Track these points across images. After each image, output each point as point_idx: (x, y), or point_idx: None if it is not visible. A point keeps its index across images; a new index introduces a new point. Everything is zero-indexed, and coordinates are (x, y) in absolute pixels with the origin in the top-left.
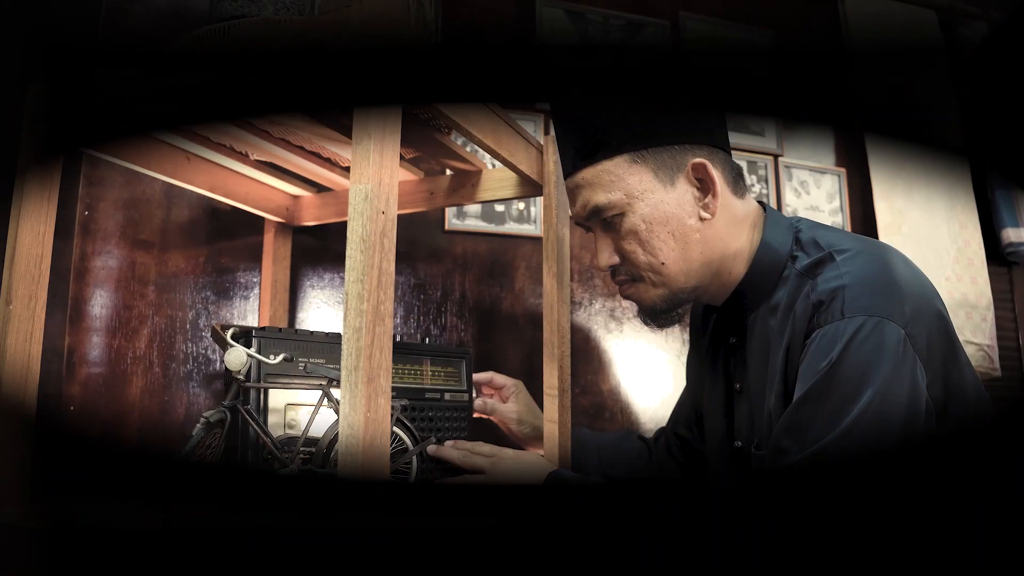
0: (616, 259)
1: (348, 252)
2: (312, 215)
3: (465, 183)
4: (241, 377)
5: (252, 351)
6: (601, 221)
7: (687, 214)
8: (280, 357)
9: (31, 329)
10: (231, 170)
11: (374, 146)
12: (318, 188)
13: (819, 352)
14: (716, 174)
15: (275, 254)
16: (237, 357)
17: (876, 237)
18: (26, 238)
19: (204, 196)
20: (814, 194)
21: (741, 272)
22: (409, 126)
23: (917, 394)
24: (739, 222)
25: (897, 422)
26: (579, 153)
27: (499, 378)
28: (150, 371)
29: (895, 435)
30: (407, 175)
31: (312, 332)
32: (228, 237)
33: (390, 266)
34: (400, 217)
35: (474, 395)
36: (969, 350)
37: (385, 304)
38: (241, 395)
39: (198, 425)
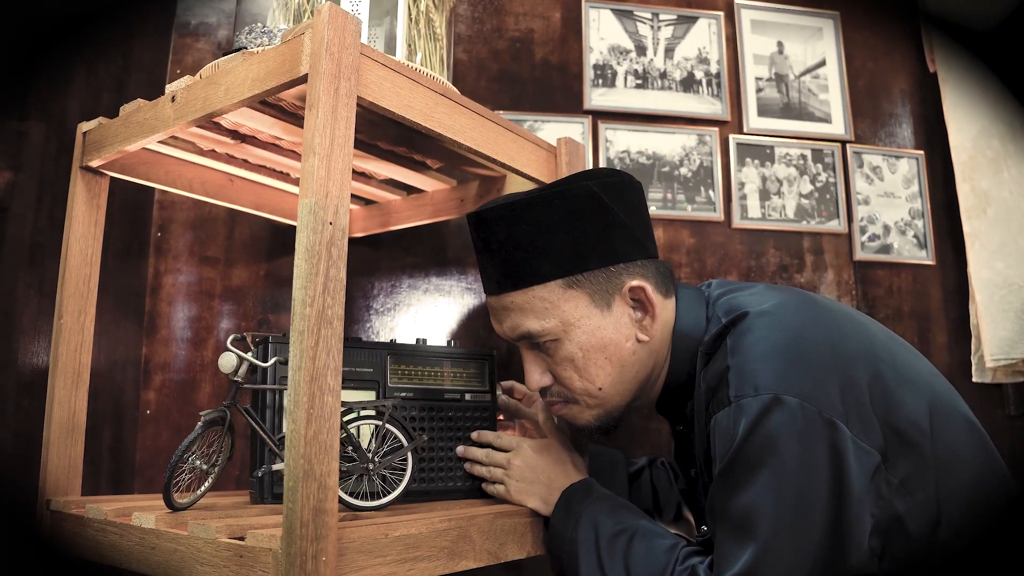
0: (548, 380)
1: (296, 260)
2: (359, 227)
3: (491, 189)
4: (239, 379)
5: (248, 355)
6: (531, 343)
7: (624, 337)
8: (273, 360)
9: (80, 341)
10: (275, 188)
11: (318, 162)
12: (365, 201)
13: (721, 439)
14: (652, 293)
15: None
16: (228, 360)
17: (959, 222)
18: (75, 260)
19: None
20: (888, 180)
21: (666, 371)
22: (422, 139)
23: (839, 457)
24: (667, 324)
25: (821, 488)
26: (507, 277)
27: (520, 387)
28: (216, 377)
29: (821, 502)
30: (439, 184)
31: None
32: (287, 251)
33: (339, 273)
34: (452, 223)
35: (499, 394)
36: None
37: (333, 308)
38: (238, 395)
39: (198, 424)
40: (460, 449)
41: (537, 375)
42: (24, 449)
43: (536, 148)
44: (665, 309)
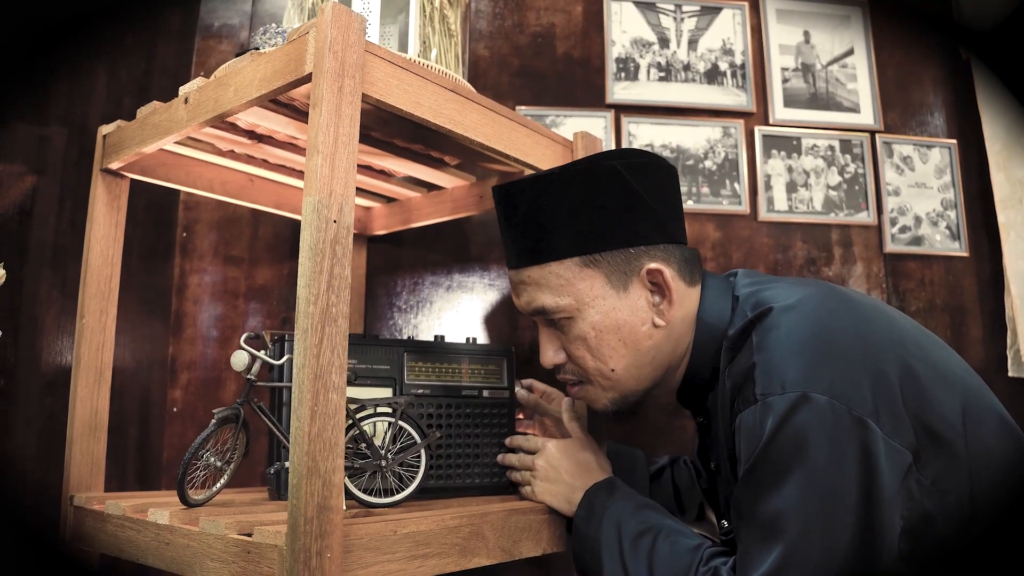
0: (562, 357)
1: (300, 259)
2: (381, 224)
3: None
4: (252, 377)
5: (261, 353)
6: (546, 319)
7: (640, 320)
8: (286, 358)
9: (102, 340)
10: (294, 187)
11: (322, 161)
12: (387, 199)
13: (747, 438)
14: (672, 278)
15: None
16: (239, 358)
17: (994, 213)
18: (96, 261)
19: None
20: (920, 170)
21: (688, 360)
22: (436, 136)
23: (869, 457)
24: (691, 312)
25: (851, 490)
26: (525, 251)
27: (540, 384)
28: (241, 375)
29: (851, 504)
30: (458, 181)
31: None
32: None
33: (343, 271)
34: (474, 219)
35: (517, 391)
36: None
37: (337, 306)
38: (252, 393)
39: (211, 422)
40: (499, 457)
41: (551, 352)
42: (49, 446)
43: (551, 143)
44: (688, 296)
